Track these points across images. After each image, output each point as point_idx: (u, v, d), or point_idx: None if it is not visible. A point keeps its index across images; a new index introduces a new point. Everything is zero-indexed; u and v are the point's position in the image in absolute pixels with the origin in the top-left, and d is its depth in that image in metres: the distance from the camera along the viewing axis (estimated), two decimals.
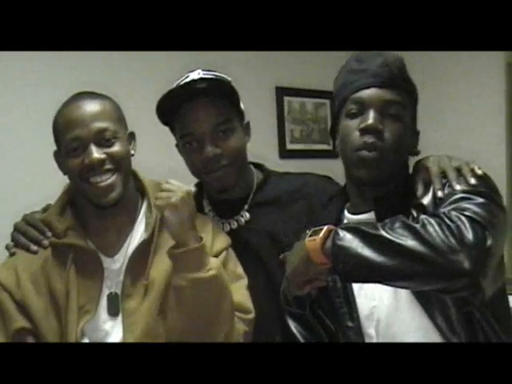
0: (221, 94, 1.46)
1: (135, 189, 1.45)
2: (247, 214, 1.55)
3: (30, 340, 1.31)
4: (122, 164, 1.35)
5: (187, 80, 1.48)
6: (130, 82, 2.60)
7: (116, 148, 1.34)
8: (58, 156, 1.39)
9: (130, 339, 1.31)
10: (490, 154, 2.90)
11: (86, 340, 1.31)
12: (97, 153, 1.31)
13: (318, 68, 2.98)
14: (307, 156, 3.19)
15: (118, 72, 2.59)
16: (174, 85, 1.50)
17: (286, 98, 3.18)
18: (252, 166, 1.63)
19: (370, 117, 1.21)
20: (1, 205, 2.23)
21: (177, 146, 1.55)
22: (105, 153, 1.32)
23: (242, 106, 1.54)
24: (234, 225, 1.55)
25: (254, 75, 2.96)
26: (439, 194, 1.17)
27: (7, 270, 1.36)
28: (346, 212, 1.33)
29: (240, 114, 1.53)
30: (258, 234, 1.52)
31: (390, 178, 1.24)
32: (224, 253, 1.43)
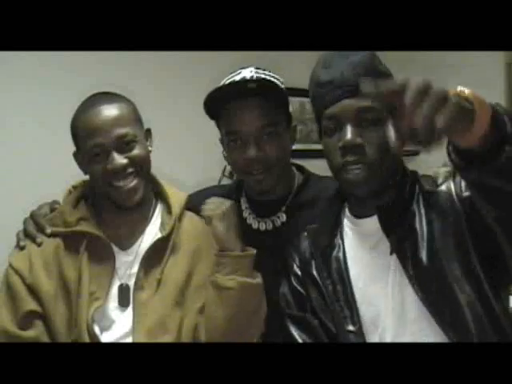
0: (270, 96, 1.45)
1: (150, 189, 1.48)
2: (284, 216, 1.54)
3: (39, 323, 1.35)
4: (143, 166, 1.39)
5: (239, 78, 1.47)
6: (129, 82, 2.60)
7: (136, 151, 1.38)
8: (77, 157, 1.43)
9: (141, 330, 1.34)
10: None
11: (95, 326, 1.34)
12: (119, 159, 1.35)
13: None
14: (307, 156, 3.16)
15: (118, 72, 2.59)
16: (226, 79, 1.49)
17: None
18: (294, 168, 1.63)
19: (347, 132, 1.17)
20: (7, 201, 2.24)
21: (221, 141, 1.54)
22: (126, 157, 1.36)
23: (290, 109, 1.53)
24: (270, 225, 1.55)
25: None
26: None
27: (21, 255, 1.40)
28: (347, 213, 1.32)
29: (288, 117, 1.52)
30: (292, 237, 1.48)
31: (387, 183, 1.22)
32: None
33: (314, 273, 1.31)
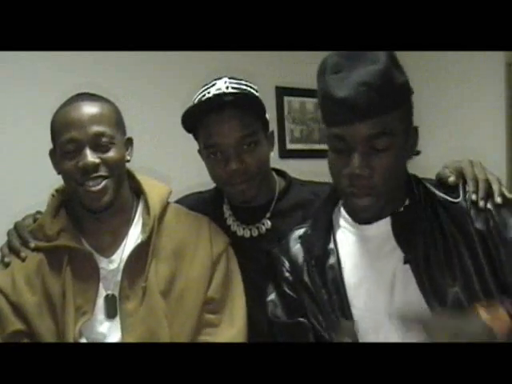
0: (247, 106, 1.44)
1: (130, 190, 1.44)
2: (269, 223, 1.53)
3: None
4: (115, 170, 1.34)
5: (214, 90, 1.45)
6: (128, 82, 2.60)
7: (111, 154, 1.32)
8: (53, 155, 1.38)
9: (130, 341, 1.30)
10: (489, 153, 2.90)
11: (83, 341, 1.31)
12: (91, 157, 1.30)
13: None
14: (307, 156, 3.19)
15: (117, 73, 2.59)
16: (200, 92, 1.47)
17: (286, 98, 3.19)
18: (274, 173, 1.61)
19: (356, 161, 1.12)
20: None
21: (199, 152, 1.52)
22: (99, 157, 1.31)
23: (267, 116, 1.51)
24: (255, 232, 1.54)
25: (254, 75, 2.96)
26: (481, 203, 1.18)
27: (3, 272, 1.36)
28: (345, 216, 1.28)
29: (265, 124, 1.51)
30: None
31: (393, 198, 1.21)
32: (224, 255, 1.44)
33: (307, 280, 1.28)
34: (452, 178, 1.24)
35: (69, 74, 2.44)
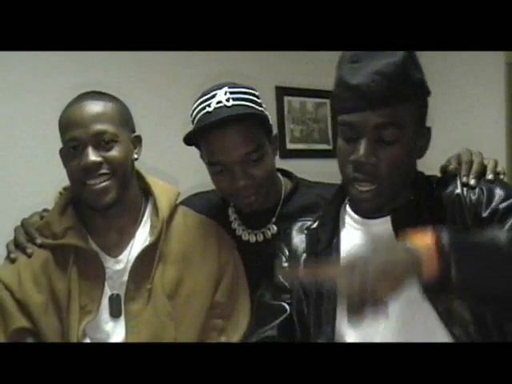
0: (250, 121, 1.39)
1: (139, 189, 1.44)
2: (274, 227, 1.50)
3: (30, 340, 1.31)
4: (119, 168, 1.33)
5: (215, 105, 1.38)
6: (131, 81, 2.60)
7: (114, 152, 1.32)
8: (62, 154, 1.38)
9: (134, 341, 1.30)
10: (489, 153, 2.90)
11: (87, 340, 1.31)
12: (93, 156, 1.30)
13: (318, 68, 2.98)
14: (307, 156, 3.19)
15: (122, 72, 2.59)
16: (200, 102, 1.41)
17: (286, 98, 3.18)
18: (280, 175, 1.57)
19: (362, 149, 1.13)
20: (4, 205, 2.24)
21: (201, 157, 1.48)
22: (102, 156, 1.31)
23: (270, 121, 1.46)
24: (260, 237, 1.51)
25: (254, 75, 2.96)
26: (471, 181, 1.19)
27: (10, 268, 1.36)
28: (350, 212, 1.28)
29: (269, 131, 1.46)
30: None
31: (398, 194, 1.20)
32: (231, 260, 1.43)
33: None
34: (451, 166, 1.26)
35: (70, 75, 2.44)
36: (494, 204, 1.14)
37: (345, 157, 1.17)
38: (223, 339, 1.37)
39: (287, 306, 1.28)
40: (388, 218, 1.20)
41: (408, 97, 1.15)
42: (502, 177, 1.25)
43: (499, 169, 1.27)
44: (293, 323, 1.27)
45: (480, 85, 3.06)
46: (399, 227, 1.17)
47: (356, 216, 1.27)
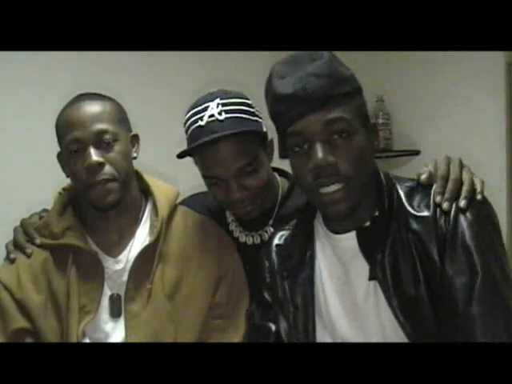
0: (243, 135, 1.36)
1: (139, 189, 1.44)
2: (272, 229, 1.47)
3: (29, 340, 1.31)
4: (121, 167, 1.34)
5: (207, 119, 1.35)
6: (130, 82, 2.60)
7: (116, 151, 1.33)
8: (60, 158, 1.39)
9: (134, 341, 1.30)
10: (489, 153, 2.90)
11: (87, 340, 1.31)
12: (96, 156, 1.30)
13: None
14: None
15: (121, 73, 2.60)
16: (191, 114, 1.39)
17: None
18: (277, 175, 1.56)
19: (317, 151, 1.09)
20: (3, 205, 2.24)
21: (196, 164, 1.46)
22: (104, 156, 1.31)
23: (265, 129, 1.44)
24: (257, 239, 1.50)
25: (254, 75, 2.96)
26: (444, 205, 1.10)
27: (9, 269, 1.36)
28: (323, 226, 1.25)
29: (264, 139, 1.43)
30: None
31: (365, 196, 1.16)
32: (231, 261, 1.43)
33: (279, 290, 1.27)
34: (424, 176, 1.17)
35: (70, 75, 2.44)
36: (457, 243, 1.08)
37: (302, 169, 1.13)
38: (223, 339, 1.37)
39: (273, 327, 1.26)
40: (353, 234, 1.18)
41: (346, 92, 1.12)
42: (479, 197, 1.12)
43: (477, 187, 1.13)
44: (281, 340, 1.25)
45: (480, 85, 3.06)
46: (364, 245, 1.15)
47: (325, 229, 1.23)
